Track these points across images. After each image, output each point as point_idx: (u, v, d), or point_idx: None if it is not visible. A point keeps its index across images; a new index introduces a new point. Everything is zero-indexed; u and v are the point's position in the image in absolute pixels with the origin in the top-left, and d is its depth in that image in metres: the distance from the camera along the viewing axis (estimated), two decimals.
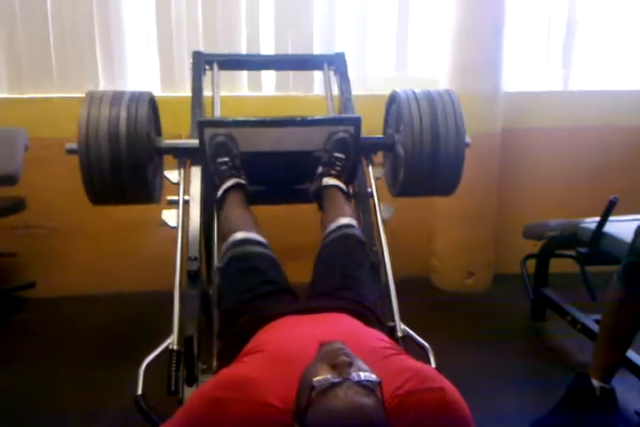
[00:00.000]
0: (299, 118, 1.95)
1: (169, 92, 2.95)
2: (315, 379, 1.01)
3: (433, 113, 1.96)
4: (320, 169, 1.92)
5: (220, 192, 1.86)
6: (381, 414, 1.01)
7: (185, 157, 2.00)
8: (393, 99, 2.12)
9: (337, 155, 1.90)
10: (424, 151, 1.94)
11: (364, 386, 1.00)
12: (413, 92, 2.03)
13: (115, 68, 2.94)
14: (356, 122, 1.94)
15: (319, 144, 1.93)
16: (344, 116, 2.19)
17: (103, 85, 2.93)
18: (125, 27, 2.93)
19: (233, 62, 2.54)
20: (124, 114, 1.83)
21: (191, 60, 2.35)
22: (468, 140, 1.99)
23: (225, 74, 2.49)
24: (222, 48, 2.91)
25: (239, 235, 1.66)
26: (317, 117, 1.98)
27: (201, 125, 1.90)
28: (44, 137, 2.68)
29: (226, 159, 1.87)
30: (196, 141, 1.94)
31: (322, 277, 1.60)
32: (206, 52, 2.41)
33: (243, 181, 1.87)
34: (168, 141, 2.03)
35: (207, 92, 2.27)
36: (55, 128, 2.67)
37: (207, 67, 2.35)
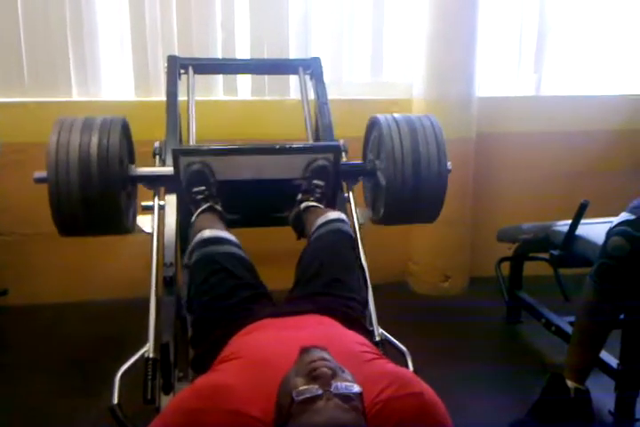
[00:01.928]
0: (277, 146, 1.92)
1: (143, 97, 2.92)
2: (295, 391, 0.98)
3: (414, 139, 1.93)
4: (299, 196, 1.90)
5: (193, 218, 1.81)
6: (362, 426, 0.99)
7: (159, 185, 1.95)
8: (373, 124, 2.09)
9: (316, 182, 1.88)
10: (406, 178, 1.91)
11: (345, 398, 0.98)
12: (394, 118, 2.00)
13: (88, 72, 2.90)
14: (336, 149, 1.92)
15: (298, 172, 1.90)
16: (323, 143, 2.14)
17: (76, 90, 2.89)
18: (99, 30, 2.89)
19: (208, 66, 2.53)
20: (95, 141, 1.76)
21: (166, 65, 2.33)
22: (449, 166, 1.96)
23: (200, 78, 2.48)
24: (197, 52, 2.90)
25: (207, 233, 1.62)
26: (296, 145, 1.95)
27: (176, 154, 1.85)
28: (15, 142, 2.64)
29: (202, 188, 1.83)
30: (170, 169, 1.89)
31: (308, 277, 1.56)
32: (181, 57, 2.40)
33: (218, 208, 1.83)
34: (142, 169, 1.97)
35: (182, 97, 2.26)
36: (27, 133, 2.62)
37: (182, 71, 2.33)
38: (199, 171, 1.84)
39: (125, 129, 1.94)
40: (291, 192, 1.90)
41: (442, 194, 1.97)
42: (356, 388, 1.00)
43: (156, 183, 1.95)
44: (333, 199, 1.95)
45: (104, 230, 1.91)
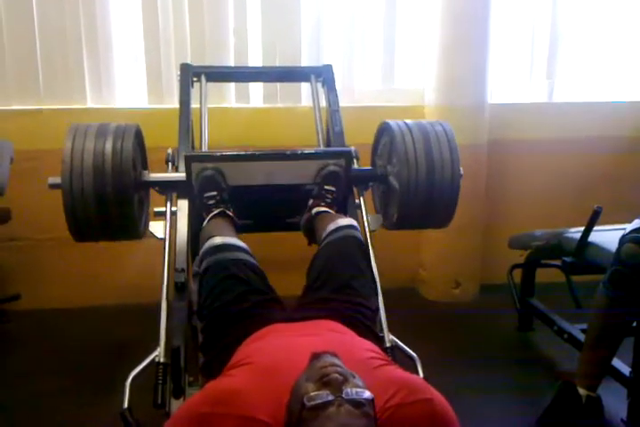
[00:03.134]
0: (288, 152, 1.93)
1: (156, 104, 2.95)
2: (306, 396, 0.99)
3: (427, 144, 1.94)
4: (311, 202, 1.91)
5: (205, 222, 1.83)
6: None
7: (172, 190, 1.97)
8: (383, 130, 2.10)
9: (328, 188, 1.89)
10: (419, 183, 1.91)
11: (357, 404, 0.98)
12: (405, 124, 2.00)
13: (102, 80, 2.94)
14: (347, 155, 1.93)
15: (309, 177, 1.91)
16: (334, 149, 2.15)
17: (90, 97, 2.92)
18: (113, 38, 2.93)
19: (221, 74, 2.55)
20: (109, 147, 1.78)
21: (179, 72, 2.35)
22: (462, 171, 1.97)
23: (213, 86, 2.50)
24: (210, 60, 2.92)
25: (217, 240, 1.63)
26: (307, 151, 1.96)
27: (188, 160, 1.87)
28: (29, 149, 2.67)
29: (214, 193, 1.84)
30: (182, 175, 1.91)
31: (318, 283, 1.56)
32: (194, 64, 2.42)
33: (229, 213, 1.84)
34: (155, 175, 1.99)
35: (195, 104, 2.28)
36: (41, 140, 2.66)
37: (195, 79, 2.36)
38: (211, 176, 1.85)
39: (139, 135, 1.96)
40: (302, 198, 1.91)
41: (455, 199, 1.97)
42: (368, 393, 1.01)
43: (168, 189, 1.97)
44: (344, 205, 1.96)
45: (117, 236, 1.93)
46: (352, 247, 1.65)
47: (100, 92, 2.94)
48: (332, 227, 1.70)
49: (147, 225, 2.02)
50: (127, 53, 2.98)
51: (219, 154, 1.91)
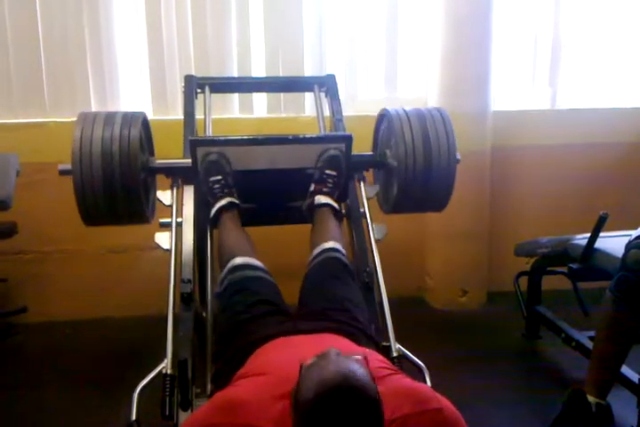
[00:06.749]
0: (290, 136, 1.97)
1: (161, 116, 2.96)
2: (303, 365, 1.03)
3: (424, 128, 1.99)
4: (312, 186, 1.94)
5: (213, 211, 1.87)
6: (370, 379, 1.01)
7: (177, 176, 2.01)
8: (383, 117, 2.14)
9: (328, 172, 1.92)
10: (417, 165, 1.97)
11: (349, 355, 1.03)
12: (404, 110, 2.06)
13: (107, 92, 2.96)
14: (347, 139, 1.96)
15: (311, 162, 1.95)
16: (335, 133, 2.21)
17: (95, 109, 2.94)
18: (117, 51, 2.96)
19: (225, 85, 2.57)
20: (117, 134, 1.84)
21: (183, 84, 2.37)
22: (458, 156, 2.01)
23: (216, 96, 2.52)
24: (214, 71, 2.94)
25: (238, 260, 1.68)
26: (309, 136, 2.00)
27: (193, 144, 1.92)
28: (35, 162, 2.69)
29: (218, 177, 1.88)
30: (188, 161, 1.95)
31: (309, 300, 1.61)
32: (198, 76, 2.44)
33: (236, 200, 1.89)
34: (161, 161, 2.04)
35: (199, 115, 2.29)
36: (47, 153, 2.67)
37: (199, 90, 2.37)
38: (216, 161, 1.89)
39: (145, 123, 2.01)
40: (304, 181, 1.95)
41: (451, 182, 2.01)
42: (359, 355, 1.05)
43: (174, 174, 2.01)
44: (345, 189, 1.99)
45: (125, 220, 1.98)
46: (335, 268, 1.70)
47: (105, 105, 2.96)
48: (316, 251, 1.75)
49: (153, 211, 2.07)
50: (131, 66, 3.00)
51: (223, 138, 1.96)
